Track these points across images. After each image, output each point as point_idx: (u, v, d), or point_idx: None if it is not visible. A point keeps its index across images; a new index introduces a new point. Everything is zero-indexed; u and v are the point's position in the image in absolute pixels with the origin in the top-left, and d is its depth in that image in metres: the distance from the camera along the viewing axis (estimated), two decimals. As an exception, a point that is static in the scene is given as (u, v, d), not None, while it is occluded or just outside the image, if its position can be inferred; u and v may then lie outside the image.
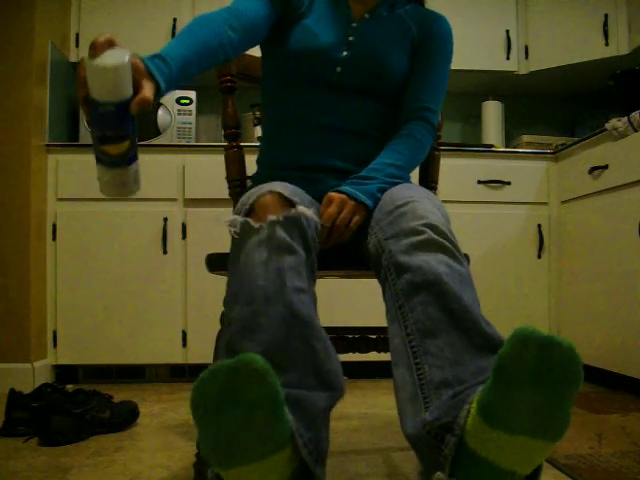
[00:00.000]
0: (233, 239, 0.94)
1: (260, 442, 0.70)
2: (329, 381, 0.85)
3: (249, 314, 0.86)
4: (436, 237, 0.93)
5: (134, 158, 0.90)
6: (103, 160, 0.88)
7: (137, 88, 0.86)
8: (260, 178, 1.30)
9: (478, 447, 0.71)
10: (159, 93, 0.90)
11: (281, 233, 0.90)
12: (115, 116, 0.84)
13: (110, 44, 0.84)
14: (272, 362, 0.80)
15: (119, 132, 0.86)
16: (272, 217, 0.91)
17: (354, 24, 1.26)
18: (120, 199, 2.39)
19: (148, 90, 0.86)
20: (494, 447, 0.70)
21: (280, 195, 0.94)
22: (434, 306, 0.87)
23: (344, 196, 1.10)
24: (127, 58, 0.83)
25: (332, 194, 1.11)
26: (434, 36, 1.28)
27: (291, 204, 0.94)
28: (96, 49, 0.82)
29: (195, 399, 0.69)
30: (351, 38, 1.24)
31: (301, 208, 0.93)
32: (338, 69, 1.22)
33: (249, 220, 0.92)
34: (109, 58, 0.82)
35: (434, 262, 0.90)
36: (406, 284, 0.91)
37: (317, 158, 1.23)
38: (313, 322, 0.88)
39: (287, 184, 1.02)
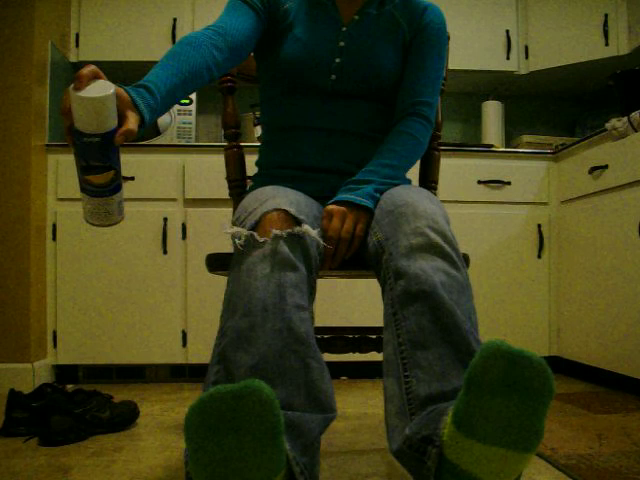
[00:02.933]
0: (236, 250, 0.94)
1: (257, 469, 0.68)
2: (320, 402, 0.84)
3: (246, 325, 0.86)
4: (436, 240, 0.93)
5: (118, 188, 0.91)
6: (87, 189, 0.89)
7: (122, 119, 0.86)
8: (261, 178, 1.30)
9: (455, 458, 0.72)
10: (143, 124, 0.90)
11: (284, 249, 0.90)
12: (100, 147, 0.85)
13: (95, 76, 0.84)
14: (263, 375, 0.81)
15: (103, 162, 0.86)
16: (276, 232, 0.91)
17: (344, 28, 1.24)
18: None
19: (133, 122, 0.87)
20: (470, 458, 0.71)
21: (286, 213, 0.94)
22: (427, 318, 0.87)
23: (343, 208, 1.09)
24: (112, 90, 0.84)
25: (331, 207, 1.10)
26: (425, 28, 1.26)
27: (297, 222, 0.94)
28: (81, 81, 0.82)
29: (192, 421, 0.66)
30: (342, 44, 1.23)
31: (306, 227, 0.94)
32: (332, 77, 1.22)
33: (254, 234, 0.92)
34: (94, 90, 0.83)
35: (431, 270, 0.90)
36: (402, 291, 0.91)
37: (318, 159, 1.23)
38: (310, 340, 0.87)
39: (292, 198, 1.01)
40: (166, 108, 0.96)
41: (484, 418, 0.69)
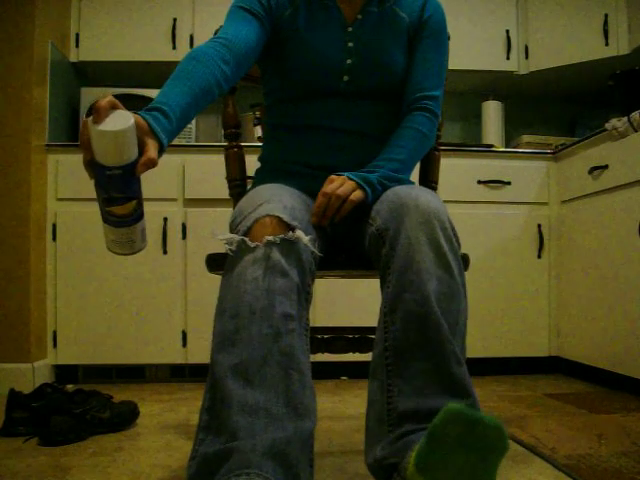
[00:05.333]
0: (228, 256, 0.94)
1: None
2: (299, 412, 0.84)
3: (231, 327, 0.86)
4: (435, 237, 0.95)
5: (140, 216, 0.90)
6: (109, 220, 0.88)
7: (141, 147, 0.86)
8: (263, 173, 1.30)
9: None
10: (162, 149, 0.90)
11: (276, 255, 0.90)
12: (122, 179, 0.83)
13: (112, 107, 0.83)
14: (243, 376, 0.81)
15: (126, 193, 0.85)
16: (269, 238, 0.91)
17: (349, 28, 1.24)
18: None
19: (152, 150, 0.86)
20: None
21: (279, 219, 0.94)
22: (414, 328, 0.91)
23: (345, 177, 1.11)
24: (132, 121, 0.82)
25: (333, 176, 1.12)
26: (427, 22, 1.27)
27: (290, 228, 0.94)
28: (100, 113, 0.81)
29: None
30: (350, 44, 1.23)
31: (299, 232, 0.93)
32: (345, 78, 1.22)
33: (246, 239, 0.92)
34: (114, 122, 0.81)
35: (425, 275, 0.92)
36: (394, 293, 0.94)
37: (326, 158, 1.23)
38: (294, 352, 0.87)
39: (287, 202, 1.00)
40: (181, 129, 0.96)
41: (441, 467, 0.75)
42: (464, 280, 0.99)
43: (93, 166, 0.84)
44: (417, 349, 0.90)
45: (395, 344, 0.92)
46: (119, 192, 0.85)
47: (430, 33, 1.26)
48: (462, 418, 0.71)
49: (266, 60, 1.27)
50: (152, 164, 0.85)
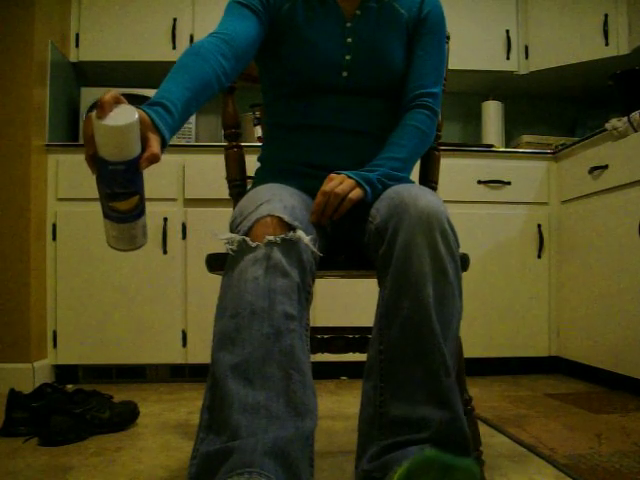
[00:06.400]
0: (229, 256, 0.94)
1: None
2: (299, 412, 0.84)
3: (232, 327, 0.86)
4: (433, 237, 0.95)
5: (142, 212, 0.90)
6: (111, 216, 0.87)
7: (144, 142, 0.85)
8: (264, 173, 1.30)
9: None
10: (164, 144, 0.90)
11: (277, 255, 0.90)
12: (125, 173, 0.83)
13: (116, 101, 0.83)
14: (244, 375, 0.82)
15: (129, 189, 0.85)
16: (270, 238, 0.91)
17: (348, 24, 1.24)
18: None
19: (155, 145, 0.86)
20: None
21: (280, 219, 0.94)
22: (409, 334, 0.93)
23: (344, 175, 1.11)
24: (136, 116, 0.82)
25: (332, 174, 1.12)
26: (426, 17, 1.26)
27: (290, 228, 0.94)
28: (104, 108, 0.81)
29: None
30: (349, 40, 1.23)
31: (299, 232, 0.93)
32: (344, 74, 1.22)
33: (246, 239, 0.92)
34: (118, 117, 0.81)
35: (422, 280, 0.93)
36: (391, 297, 0.95)
37: (327, 158, 1.22)
38: (295, 352, 0.87)
39: (287, 202, 1.00)
40: (182, 124, 0.96)
41: None
42: (460, 282, 0.99)
43: (96, 161, 0.83)
44: (411, 355, 0.92)
45: (390, 347, 0.94)
46: (122, 187, 0.84)
47: (429, 30, 1.26)
48: (437, 464, 0.76)
49: (264, 56, 1.26)
50: (155, 159, 0.85)
